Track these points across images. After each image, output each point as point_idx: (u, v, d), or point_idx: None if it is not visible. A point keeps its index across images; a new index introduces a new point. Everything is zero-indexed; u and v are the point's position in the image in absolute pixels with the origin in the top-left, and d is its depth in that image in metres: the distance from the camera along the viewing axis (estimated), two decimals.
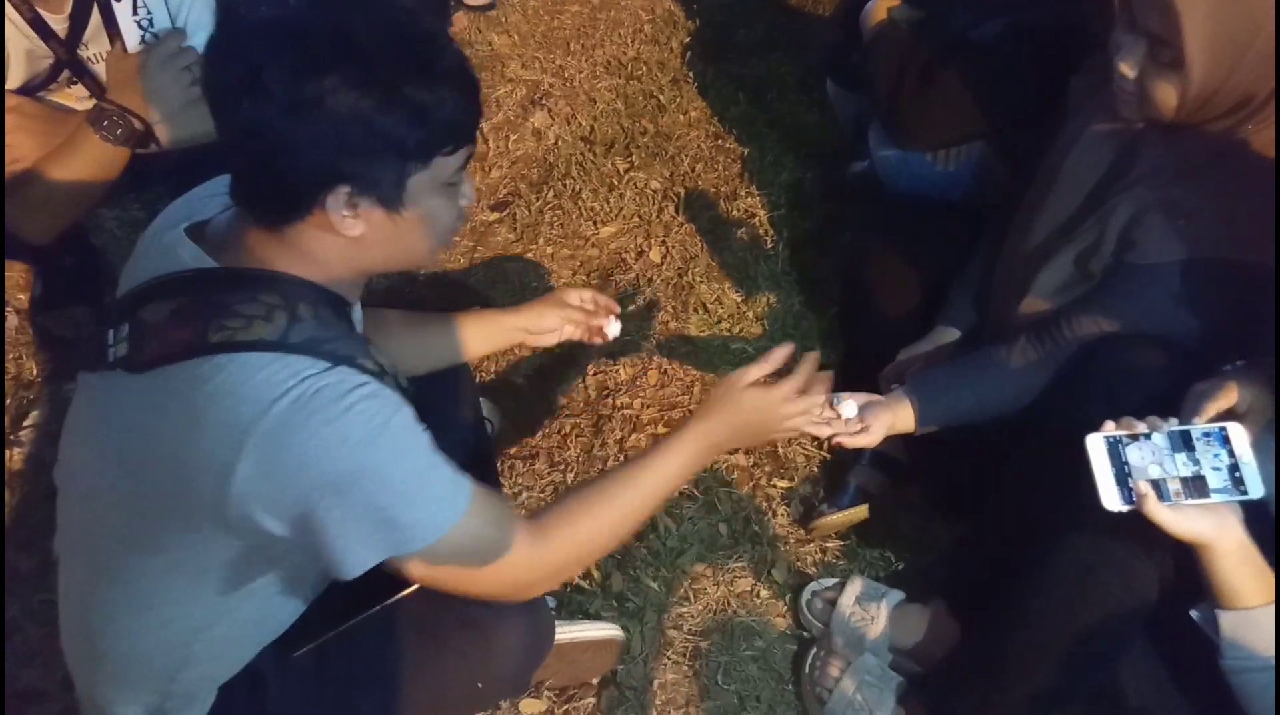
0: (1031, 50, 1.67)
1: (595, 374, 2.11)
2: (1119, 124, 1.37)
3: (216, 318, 0.96)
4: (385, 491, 0.97)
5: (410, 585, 1.17)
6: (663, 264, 2.34)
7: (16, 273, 2.25)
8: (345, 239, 1.01)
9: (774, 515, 1.87)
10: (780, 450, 1.96)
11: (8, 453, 1.91)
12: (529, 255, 2.38)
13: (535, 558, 1.09)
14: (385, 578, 1.18)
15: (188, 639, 1.10)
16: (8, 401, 2.00)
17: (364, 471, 0.95)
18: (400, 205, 1.00)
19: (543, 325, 1.50)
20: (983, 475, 1.53)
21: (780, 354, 1.30)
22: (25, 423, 1.96)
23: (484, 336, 1.47)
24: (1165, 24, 1.20)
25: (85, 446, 1.10)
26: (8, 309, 2.19)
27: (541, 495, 1.90)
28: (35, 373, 2.06)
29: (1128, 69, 1.27)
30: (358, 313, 1.21)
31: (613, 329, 1.53)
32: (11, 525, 1.78)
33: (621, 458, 1.95)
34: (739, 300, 2.26)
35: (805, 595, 1.70)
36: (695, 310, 2.24)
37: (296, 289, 1.01)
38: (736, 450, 1.89)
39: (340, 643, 1.17)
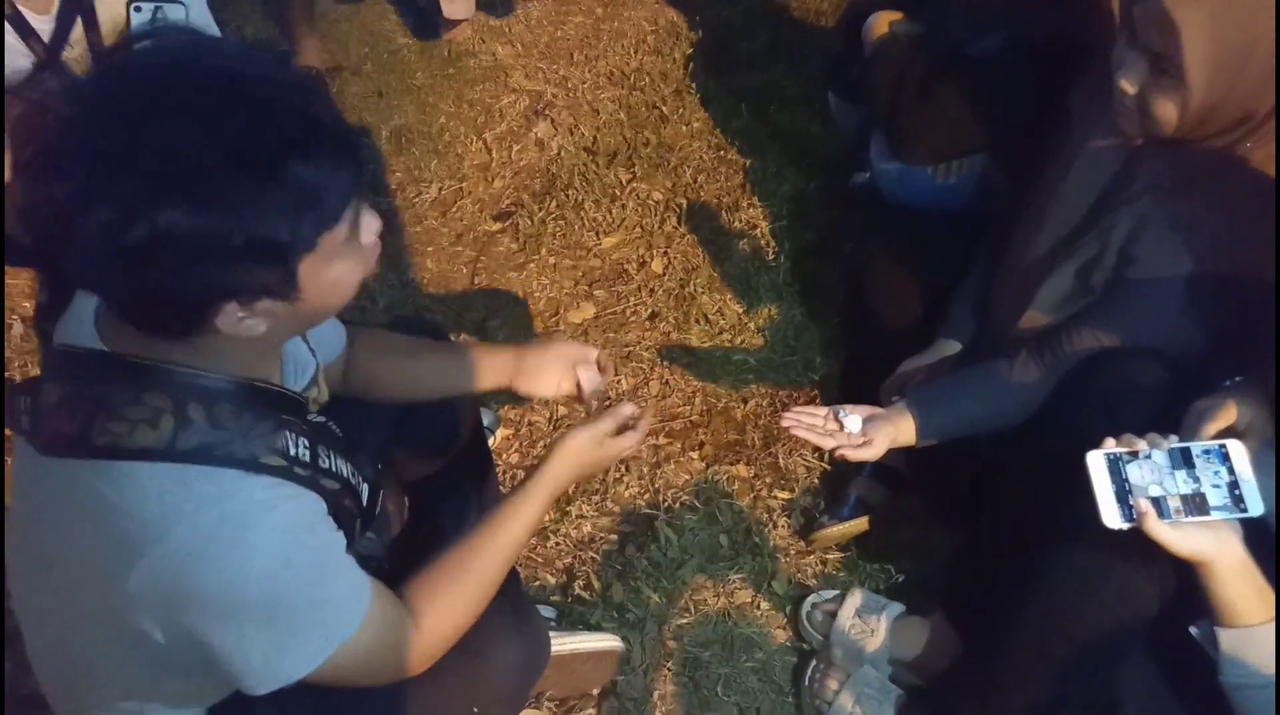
0: (1029, 64, 1.68)
1: None
2: (1120, 139, 1.37)
3: (100, 417, 0.90)
4: (282, 621, 0.95)
5: None
6: (665, 275, 2.35)
7: (22, 281, 2.26)
8: (248, 337, 0.91)
9: (775, 527, 1.87)
10: (781, 462, 1.97)
11: (9, 462, 1.91)
12: (531, 265, 2.38)
13: (418, 649, 1.08)
14: None
15: (143, 690, 1.08)
16: None
17: (262, 603, 0.93)
18: (297, 291, 0.89)
19: (537, 390, 1.39)
20: (983, 487, 1.53)
21: (625, 411, 1.27)
22: None
23: (477, 381, 1.40)
24: (1166, 41, 1.21)
25: (16, 511, 1.08)
26: (13, 317, 2.20)
27: None
28: None
29: (1129, 84, 1.28)
30: (308, 362, 1.17)
31: (589, 382, 1.38)
32: None
33: (622, 468, 1.95)
34: (740, 311, 2.26)
35: (805, 607, 1.70)
36: (697, 321, 2.24)
37: (187, 387, 0.92)
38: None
39: None
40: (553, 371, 1.37)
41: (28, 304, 2.22)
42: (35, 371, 2.08)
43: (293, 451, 0.98)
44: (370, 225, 0.96)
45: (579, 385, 1.38)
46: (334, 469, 1.04)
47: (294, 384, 1.12)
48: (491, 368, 1.38)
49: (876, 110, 1.88)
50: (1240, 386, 1.18)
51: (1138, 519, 1.07)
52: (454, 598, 1.11)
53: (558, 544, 1.85)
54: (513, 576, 1.67)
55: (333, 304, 0.98)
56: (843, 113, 2.27)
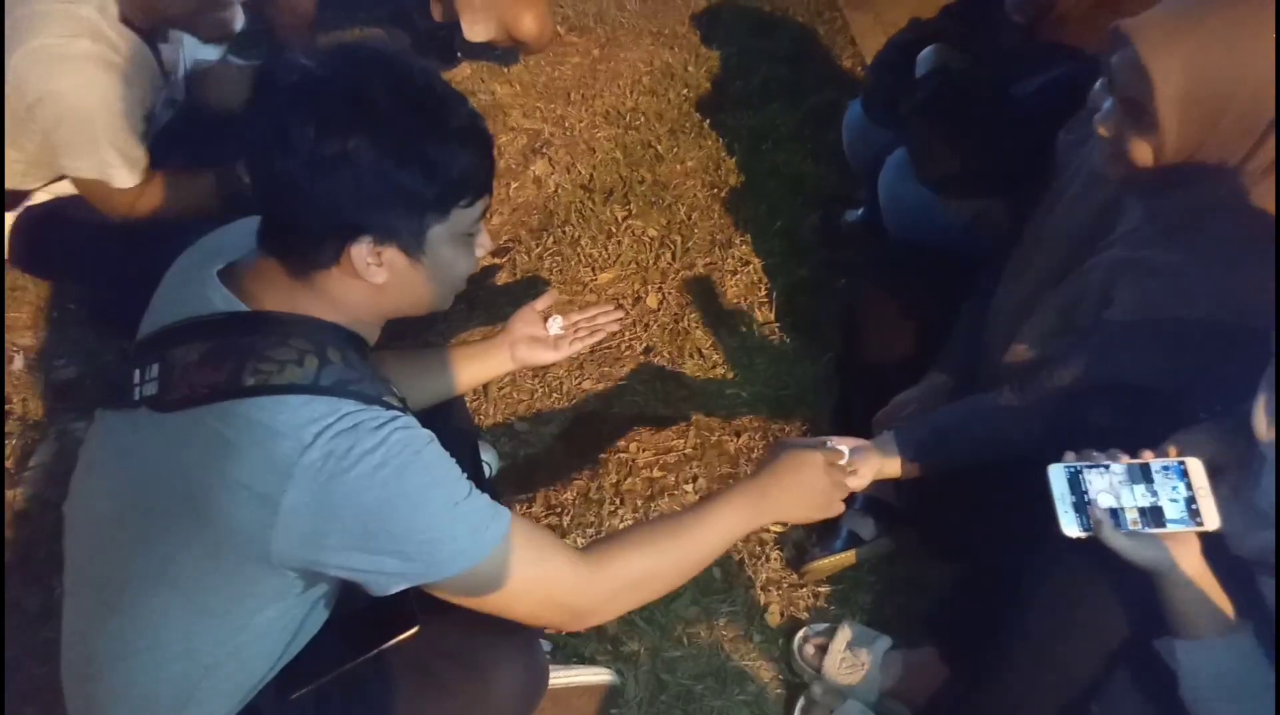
0: (1063, 109, 1.61)
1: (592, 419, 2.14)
2: (1101, 181, 1.41)
3: (249, 361, 1.01)
4: (423, 516, 1.02)
5: (410, 628, 1.20)
6: (659, 310, 2.38)
7: (23, 314, 2.29)
8: (370, 285, 1.07)
9: (767, 560, 1.89)
10: None
11: (12, 492, 1.93)
12: (528, 300, 2.41)
13: (585, 583, 1.14)
14: (385, 620, 1.21)
15: (195, 679, 1.11)
16: (13, 442, 2.03)
17: (403, 497, 1.01)
18: (421, 254, 1.08)
19: (520, 332, 1.56)
20: (972, 520, 1.55)
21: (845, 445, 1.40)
22: (31, 462, 1.99)
23: (476, 364, 1.53)
24: (1140, 87, 1.22)
25: (101, 480, 1.13)
26: (14, 350, 2.22)
27: None
28: (42, 413, 2.09)
29: (1105, 129, 1.30)
30: None
31: (552, 325, 1.58)
32: (16, 562, 1.80)
33: (617, 501, 1.98)
34: (734, 346, 2.29)
35: (797, 641, 1.71)
36: (691, 356, 2.27)
37: (324, 333, 1.07)
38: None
39: (339, 685, 1.18)
40: (537, 333, 1.56)
41: (29, 337, 2.25)
42: (36, 407, 2.10)
43: (404, 400, 1.12)
44: (484, 241, 1.16)
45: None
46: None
47: None
48: (484, 351, 1.54)
49: (913, 127, 1.90)
50: (1208, 427, 1.20)
51: (1094, 528, 1.12)
52: (635, 558, 1.18)
53: None
54: None
55: (436, 285, 1.13)
56: (863, 135, 2.24)
